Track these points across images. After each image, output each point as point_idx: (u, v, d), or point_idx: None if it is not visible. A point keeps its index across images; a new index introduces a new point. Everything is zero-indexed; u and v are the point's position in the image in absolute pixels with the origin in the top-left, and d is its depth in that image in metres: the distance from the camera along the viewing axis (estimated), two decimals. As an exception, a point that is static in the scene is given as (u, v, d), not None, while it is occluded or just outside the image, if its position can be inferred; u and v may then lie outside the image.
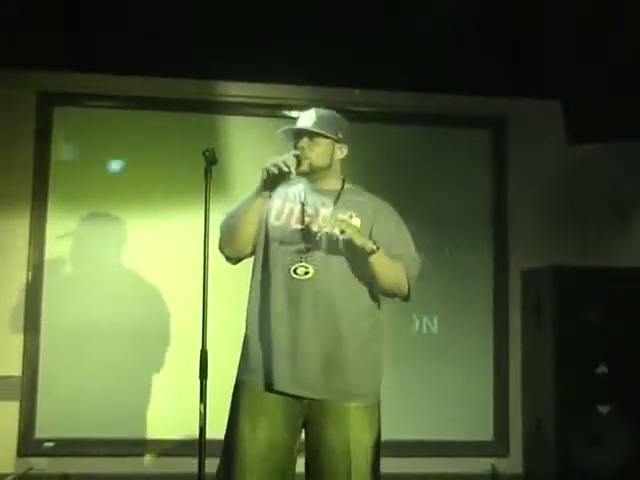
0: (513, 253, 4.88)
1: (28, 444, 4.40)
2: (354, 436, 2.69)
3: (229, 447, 2.73)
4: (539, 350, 4.62)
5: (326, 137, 2.82)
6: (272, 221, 2.82)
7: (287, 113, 4.78)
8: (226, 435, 2.77)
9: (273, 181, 2.73)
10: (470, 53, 4.20)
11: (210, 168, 2.86)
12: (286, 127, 2.87)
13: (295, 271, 2.72)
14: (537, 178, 4.89)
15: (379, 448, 2.79)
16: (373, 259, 2.69)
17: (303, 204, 2.82)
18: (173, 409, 4.41)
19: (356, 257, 2.75)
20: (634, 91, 4.16)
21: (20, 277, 4.50)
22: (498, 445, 4.75)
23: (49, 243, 4.54)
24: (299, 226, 2.79)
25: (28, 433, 4.41)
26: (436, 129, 4.92)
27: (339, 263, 2.76)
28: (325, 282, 2.72)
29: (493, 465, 4.67)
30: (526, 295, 4.81)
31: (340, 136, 2.85)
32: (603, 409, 4.40)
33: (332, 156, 2.85)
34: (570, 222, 4.83)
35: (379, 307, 2.87)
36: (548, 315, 4.51)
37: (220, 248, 2.91)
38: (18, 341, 4.45)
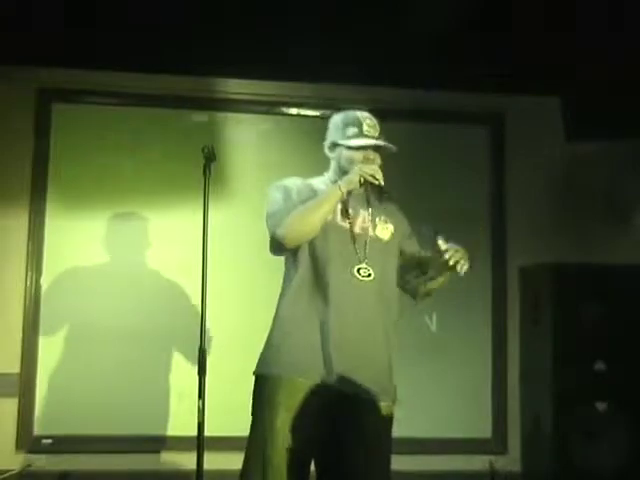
0: (511, 250, 4.88)
1: (26, 441, 4.40)
2: (384, 432, 2.78)
3: (260, 441, 2.66)
4: (537, 347, 4.62)
5: (387, 149, 2.87)
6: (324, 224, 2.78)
7: (287, 110, 4.79)
8: (257, 429, 2.70)
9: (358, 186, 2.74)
10: (468, 50, 4.20)
11: (209, 165, 2.86)
12: (356, 143, 2.83)
13: (359, 272, 2.73)
14: (535, 175, 4.89)
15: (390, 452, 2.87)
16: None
17: (345, 202, 2.80)
18: (172, 406, 4.41)
19: (394, 263, 2.84)
20: (632, 88, 4.16)
21: (19, 274, 4.49)
22: (496, 442, 4.75)
23: (48, 240, 4.54)
24: (344, 224, 2.79)
25: (26, 430, 4.40)
26: (434, 126, 4.91)
27: (387, 267, 2.81)
28: (381, 285, 2.77)
29: (491, 462, 4.67)
30: (524, 292, 4.82)
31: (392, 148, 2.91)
32: (601, 406, 4.41)
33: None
34: (568, 219, 4.83)
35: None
36: (546, 312, 4.51)
37: (280, 236, 2.73)
38: (17, 338, 4.45)
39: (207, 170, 2.85)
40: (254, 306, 4.24)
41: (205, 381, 2.78)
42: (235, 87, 4.74)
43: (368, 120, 2.86)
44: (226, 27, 4.04)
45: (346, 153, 2.83)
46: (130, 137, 4.67)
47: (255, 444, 2.66)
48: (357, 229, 2.79)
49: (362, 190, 2.81)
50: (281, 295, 2.81)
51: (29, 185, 4.55)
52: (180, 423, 4.38)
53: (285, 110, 4.79)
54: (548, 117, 4.71)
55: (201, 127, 4.68)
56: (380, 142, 2.83)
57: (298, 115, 4.80)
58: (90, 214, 4.57)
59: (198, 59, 4.34)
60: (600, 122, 4.40)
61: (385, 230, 2.84)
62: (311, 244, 2.75)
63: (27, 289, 4.49)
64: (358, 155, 2.81)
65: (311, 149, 4.68)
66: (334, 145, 2.88)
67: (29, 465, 4.35)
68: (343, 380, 2.66)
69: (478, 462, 4.66)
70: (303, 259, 2.75)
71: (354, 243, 2.76)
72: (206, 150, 2.85)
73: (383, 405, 2.76)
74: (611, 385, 4.40)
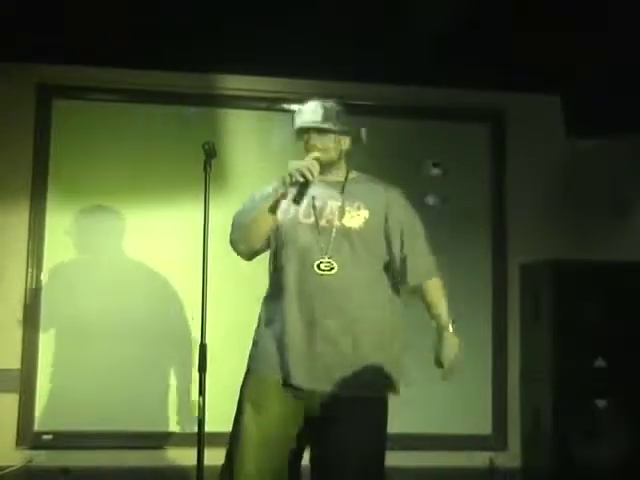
0: (512, 247, 4.88)
1: (27, 437, 4.41)
2: (359, 429, 2.69)
3: (233, 435, 2.72)
4: (537, 344, 4.62)
5: (334, 132, 2.80)
6: (283, 216, 2.79)
7: (287, 106, 4.77)
8: (233, 422, 2.76)
9: (295, 185, 2.71)
10: (469, 47, 4.19)
11: (209, 161, 2.85)
12: (299, 125, 2.83)
13: (319, 266, 2.70)
14: (536, 172, 4.89)
15: (384, 443, 2.81)
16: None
17: (313, 198, 2.80)
18: (172, 402, 4.42)
19: (372, 249, 2.78)
20: (633, 86, 4.16)
21: (20, 270, 4.50)
22: (496, 439, 4.75)
23: (49, 236, 4.54)
24: (309, 220, 2.78)
25: (27, 426, 4.41)
26: (434, 123, 4.91)
27: (354, 255, 2.75)
28: (345, 277, 2.72)
29: (491, 459, 4.67)
30: (524, 289, 4.82)
31: (345, 128, 2.83)
32: (601, 403, 4.41)
33: (340, 149, 2.84)
34: (569, 216, 4.83)
35: (396, 302, 2.88)
36: (546, 309, 4.52)
37: (232, 243, 2.87)
38: (17, 334, 4.45)
39: (208, 166, 2.84)
40: (254, 302, 4.24)
41: (205, 377, 2.78)
42: (235, 83, 4.74)
43: (310, 107, 2.83)
44: (226, 23, 4.04)
45: (299, 141, 2.86)
46: (130, 133, 4.67)
47: (230, 439, 2.72)
48: (322, 222, 2.77)
49: (335, 179, 2.83)
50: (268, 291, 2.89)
51: (29, 182, 4.56)
52: (180, 419, 4.38)
53: (286, 106, 4.78)
54: (549, 115, 4.70)
55: (201, 123, 4.67)
56: (312, 124, 2.80)
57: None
58: (90, 211, 4.57)
59: (198, 55, 4.34)
60: (601, 120, 4.39)
61: (356, 218, 2.77)
62: (279, 243, 2.79)
63: (27, 286, 4.49)
64: (305, 141, 2.83)
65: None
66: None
67: (29, 461, 4.36)
68: (300, 377, 2.67)
69: (478, 458, 4.67)
70: (272, 260, 2.83)
71: (318, 237, 2.74)
72: (207, 146, 2.84)
73: (358, 397, 2.71)
74: (611, 382, 4.40)
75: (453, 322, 2.81)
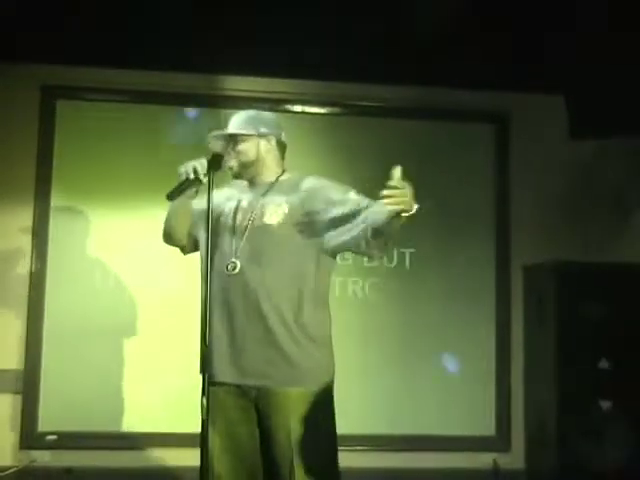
0: (515, 248, 4.88)
1: (31, 437, 4.42)
2: (296, 423, 2.70)
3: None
4: (541, 345, 4.62)
5: (244, 135, 2.93)
6: (214, 222, 2.82)
7: (289, 107, 4.78)
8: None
9: (185, 184, 2.83)
10: (473, 48, 4.19)
11: (212, 172, 2.85)
12: (213, 134, 3.00)
13: (227, 267, 2.79)
14: (539, 173, 4.89)
15: (331, 436, 2.79)
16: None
17: (239, 200, 2.91)
18: (175, 403, 4.42)
19: (292, 244, 2.79)
20: (636, 87, 4.15)
21: (23, 270, 4.51)
22: (500, 440, 4.75)
23: (52, 236, 4.55)
24: (228, 221, 2.88)
25: (30, 426, 4.42)
26: (438, 124, 4.91)
27: (264, 252, 2.79)
28: (251, 274, 2.76)
29: (495, 460, 4.67)
30: (528, 290, 4.82)
31: (263, 130, 2.94)
32: (605, 404, 4.41)
33: (258, 150, 2.94)
34: (572, 217, 4.83)
35: (319, 292, 2.85)
36: (550, 310, 4.51)
37: (163, 236, 3.11)
38: (21, 334, 4.46)
39: (210, 176, 2.85)
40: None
41: (208, 378, 2.78)
42: (238, 84, 4.74)
43: (234, 116, 3.02)
44: (228, 24, 4.04)
45: None
46: (133, 134, 4.68)
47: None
48: (243, 223, 2.85)
49: (260, 181, 2.92)
50: None
51: (33, 181, 4.57)
52: (184, 420, 4.38)
53: (289, 107, 4.79)
54: (553, 116, 4.69)
55: (205, 124, 4.67)
56: (215, 133, 2.98)
57: (302, 112, 4.81)
58: (94, 210, 4.58)
59: (201, 56, 4.34)
60: (605, 121, 4.39)
61: (274, 214, 2.82)
62: (207, 246, 2.80)
63: (31, 285, 4.50)
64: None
65: (314, 146, 4.71)
66: None
67: (33, 461, 4.37)
68: (226, 374, 2.74)
69: (482, 460, 4.67)
70: (201, 264, 2.94)
71: (232, 238, 2.84)
72: (211, 158, 2.86)
73: (293, 392, 2.72)
74: (615, 383, 4.40)
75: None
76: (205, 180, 2.77)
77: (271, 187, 2.92)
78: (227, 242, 2.85)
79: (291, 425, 2.70)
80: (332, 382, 2.83)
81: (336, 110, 4.83)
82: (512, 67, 4.45)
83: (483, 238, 4.87)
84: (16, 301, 4.48)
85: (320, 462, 2.74)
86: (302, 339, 2.77)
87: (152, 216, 4.57)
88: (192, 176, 2.78)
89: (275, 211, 2.83)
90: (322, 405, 2.78)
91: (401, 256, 4.78)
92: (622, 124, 4.37)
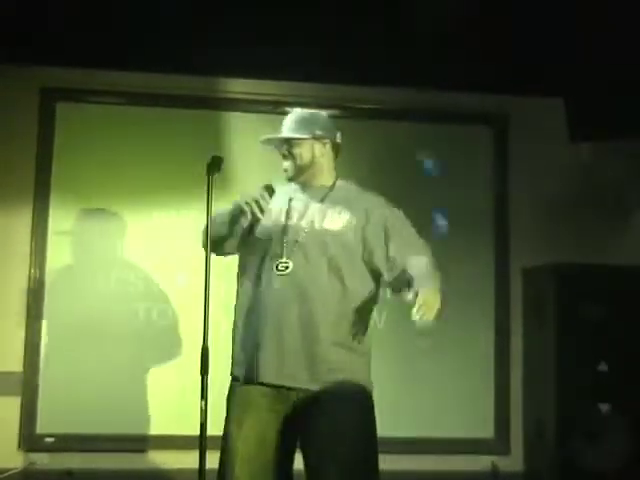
0: (514, 250, 4.88)
1: (29, 439, 4.41)
2: (341, 426, 2.68)
3: (222, 445, 2.75)
4: (540, 347, 4.62)
5: (299, 139, 2.88)
6: (263, 221, 2.83)
7: (288, 110, 4.77)
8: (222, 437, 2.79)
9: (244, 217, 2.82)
10: (471, 50, 4.20)
11: (212, 175, 2.85)
12: (263, 137, 2.97)
13: (277, 267, 2.74)
14: (538, 176, 4.89)
15: (373, 439, 2.77)
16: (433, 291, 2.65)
17: (290, 200, 2.87)
18: (174, 405, 4.42)
19: (347, 250, 2.78)
20: (636, 89, 4.16)
21: (22, 272, 4.50)
22: (499, 443, 4.75)
23: (51, 239, 4.55)
24: (283, 223, 2.82)
25: (29, 428, 4.41)
26: (437, 126, 4.91)
27: (320, 258, 2.76)
28: (305, 276, 2.74)
29: (494, 463, 4.67)
30: (527, 292, 4.82)
31: (318, 133, 2.89)
32: (604, 407, 4.41)
33: (313, 154, 2.89)
34: (571, 220, 4.83)
35: (368, 303, 2.86)
36: (549, 312, 4.51)
37: (202, 242, 2.94)
38: (20, 337, 4.46)
39: (209, 179, 2.84)
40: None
41: (207, 381, 2.78)
42: (238, 86, 4.74)
43: (286, 118, 2.97)
44: (229, 26, 4.05)
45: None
46: (133, 136, 4.67)
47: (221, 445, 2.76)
48: (292, 223, 2.81)
49: (318, 186, 2.89)
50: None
51: (33, 183, 4.57)
52: (182, 422, 4.38)
53: (289, 110, 4.78)
54: (552, 118, 4.70)
55: (205, 126, 4.68)
56: (269, 136, 2.94)
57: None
58: (93, 213, 4.58)
59: (201, 58, 4.35)
60: (604, 123, 4.39)
61: (336, 221, 2.80)
62: (250, 244, 2.85)
63: (30, 287, 4.50)
64: (281, 150, 2.94)
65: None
66: None
67: (32, 463, 4.36)
68: (270, 375, 2.70)
69: (481, 462, 4.67)
70: (243, 261, 2.91)
71: (283, 238, 2.78)
72: (210, 160, 2.85)
73: (337, 395, 2.71)
74: (614, 386, 4.40)
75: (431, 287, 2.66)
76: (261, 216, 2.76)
77: (329, 192, 2.88)
78: (277, 242, 2.79)
79: (337, 428, 2.67)
80: (371, 391, 2.81)
81: (335, 112, 4.83)
82: (511, 69, 4.45)
83: (482, 240, 4.87)
84: (15, 303, 4.48)
85: (359, 465, 2.70)
86: (347, 347, 2.77)
87: (152, 217, 4.61)
88: (258, 213, 2.75)
89: (337, 218, 2.80)
90: (362, 411, 2.77)
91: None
92: (621, 126, 4.38)
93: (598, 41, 4.01)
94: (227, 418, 2.78)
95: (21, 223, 4.53)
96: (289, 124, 2.92)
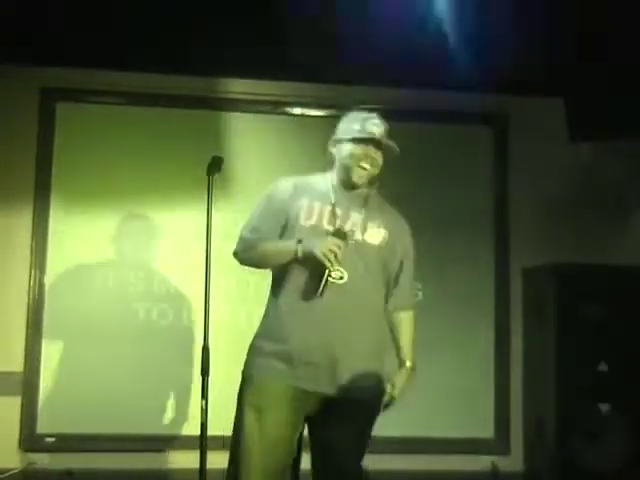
0: (514, 250, 4.88)
1: (30, 439, 4.41)
2: (358, 430, 2.78)
3: (237, 443, 2.73)
4: (540, 347, 4.62)
5: (390, 152, 2.87)
6: (302, 222, 2.79)
7: (289, 110, 4.79)
8: (235, 429, 2.77)
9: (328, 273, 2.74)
10: (472, 50, 4.19)
11: (212, 175, 2.85)
12: (359, 135, 2.84)
13: (330, 275, 2.71)
14: (538, 176, 4.89)
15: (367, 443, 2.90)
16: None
17: (334, 205, 2.82)
18: (175, 405, 4.42)
19: (383, 266, 2.85)
20: (636, 89, 4.15)
21: (23, 272, 4.50)
22: (499, 443, 4.75)
23: (52, 239, 4.54)
24: (331, 228, 2.78)
25: (30, 428, 4.41)
26: (437, 126, 4.90)
27: (367, 269, 2.79)
28: (356, 286, 2.75)
29: (494, 462, 4.67)
30: (527, 292, 4.82)
31: (394, 147, 2.88)
32: (604, 407, 4.41)
33: (381, 166, 2.89)
34: (571, 219, 4.83)
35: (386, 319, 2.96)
36: (549, 312, 4.51)
37: (236, 256, 2.91)
38: (20, 336, 4.45)
39: (209, 179, 2.85)
40: (256, 305, 4.25)
41: (208, 381, 2.79)
42: (238, 87, 4.74)
43: (374, 120, 2.87)
44: (229, 27, 4.04)
45: (347, 147, 2.84)
46: (134, 136, 4.67)
47: (233, 447, 2.74)
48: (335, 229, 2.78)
49: (360, 191, 2.87)
50: (270, 296, 2.90)
51: (33, 184, 4.56)
52: (183, 422, 4.39)
53: (289, 110, 4.79)
54: (552, 118, 4.70)
55: (205, 126, 4.68)
56: (382, 139, 2.83)
57: (302, 115, 4.81)
58: (93, 213, 4.58)
59: (201, 58, 4.34)
60: (604, 123, 4.39)
61: (376, 235, 2.82)
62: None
63: (30, 288, 4.50)
64: (358, 150, 2.82)
65: (314, 148, 4.71)
66: (338, 141, 2.89)
67: (32, 463, 4.36)
68: (308, 381, 2.70)
69: (481, 462, 4.67)
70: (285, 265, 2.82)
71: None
72: (210, 160, 2.85)
73: (360, 400, 2.77)
74: (614, 386, 4.40)
75: (412, 362, 2.91)
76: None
77: (366, 202, 2.87)
78: None
79: (356, 431, 2.77)
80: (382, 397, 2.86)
81: (334, 113, 4.83)
82: (511, 69, 4.45)
83: (482, 240, 4.87)
84: (16, 303, 4.47)
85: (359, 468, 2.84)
86: (380, 358, 2.85)
87: (152, 219, 4.61)
88: (329, 264, 2.68)
89: (376, 232, 2.83)
90: (374, 416, 2.85)
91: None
92: (621, 126, 4.37)
93: (598, 41, 4.01)
94: (246, 407, 2.73)
95: (21, 223, 4.53)
96: (381, 131, 2.86)
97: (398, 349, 2.91)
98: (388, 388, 2.81)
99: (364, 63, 4.35)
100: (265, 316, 2.88)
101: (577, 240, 4.75)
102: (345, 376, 2.72)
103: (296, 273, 2.77)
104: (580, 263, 4.52)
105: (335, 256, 2.66)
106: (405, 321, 2.94)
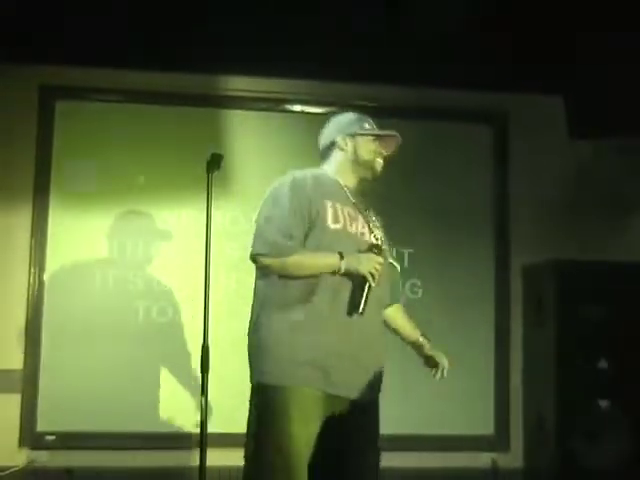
0: (514, 248, 4.88)
1: (29, 437, 4.41)
2: (375, 427, 2.83)
3: (269, 450, 2.63)
4: (540, 345, 4.62)
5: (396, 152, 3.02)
6: (329, 224, 2.74)
7: (288, 107, 4.79)
8: (262, 438, 2.65)
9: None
10: (472, 49, 4.19)
11: (211, 173, 2.85)
12: (382, 132, 3.00)
13: (370, 290, 2.70)
14: (538, 174, 4.89)
15: None
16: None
17: (355, 204, 2.84)
18: (175, 403, 4.42)
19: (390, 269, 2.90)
20: (636, 87, 4.15)
21: (22, 271, 4.50)
22: (499, 440, 4.75)
23: (51, 237, 4.54)
24: (354, 230, 2.78)
25: (29, 426, 4.41)
26: (437, 124, 4.90)
27: (384, 272, 2.80)
28: (380, 289, 2.77)
29: (494, 459, 4.67)
30: (527, 290, 4.82)
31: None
32: (604, 404, 4.41)
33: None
34: (571, 217, 4.83)
35: None
36: (549, 310, 4.51)
37: (257, 257, 2.79)
38: (20, 334, 4.46)
39: (209, 176, 2.85)
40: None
41: (208, 378, 2.79)
42: (238, 84, 4.74)
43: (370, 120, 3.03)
44: (229, 24, 4.04)
45: (368, 143, 2.94)
46: (132, 134, 4.67)
47: (261, 451, 2.64)
48: (355, 231, 2.79)
49: (362, 190, 2.92)
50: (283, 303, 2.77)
51: (32, 182, 4.56)
52: (183, 420, 4.39)
53: (289, 107, 4.79)
54: (552, 116, 4.70)
55: (205, 124, 4.68)
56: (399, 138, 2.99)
57: (302, 112, 4.81)
58: (93, 211, 4.58)
59: (201, 56, 4.34)
60: (603, 121, 4.39)
61: (378, 235, 2.85)
62: (320, 248, 2.74)
63: (30, 286, 4.50)
64: (377, 146, 2.95)
65: (313, 146, 4.71)
66: (351, 136, 2.94)
67: (32, 461, 4.36)
68: (342, 387, 2.70)
69: (480, 459, 4.67)
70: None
71: (355, 249, 2.74)
72: (210, 158, 2.85)
73: (373, 400, 2.83)
74: (613, 383, 4.40)
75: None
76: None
77: (365, 203, 2.92)
78: (350, 250, 2.71)
79: (374, 429, 2.83)
80: None
81: (335, 110, 4.82)
82: (511, 67, 4.45)
83: (482, 238, 4.87)
84: (15, 301, 4.48)
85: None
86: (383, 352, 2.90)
87: (152, 217, 4.61)
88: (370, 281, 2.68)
89: (378, 234, 2.85)
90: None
91: (400, 256, 4.76)
92: (621, 124, 4.37)
93: (598, 40, 4.01)
94: (284, 419, 2.62)
95: (21, 221, 4.53)
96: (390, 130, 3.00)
97: (407, 332, 3.07)
98: (440, 359, 3.09)
99: (364, 61, 4.36)
100: (280, 321, 2.72)
101: (577, 238, 4.75)
102: (369, 378, 2.77)
103: (328, 284, 2.69)
104: (580, 260, 4.52)
105: (377, 272, 2.68)
106: (400, 310, 3.06)
